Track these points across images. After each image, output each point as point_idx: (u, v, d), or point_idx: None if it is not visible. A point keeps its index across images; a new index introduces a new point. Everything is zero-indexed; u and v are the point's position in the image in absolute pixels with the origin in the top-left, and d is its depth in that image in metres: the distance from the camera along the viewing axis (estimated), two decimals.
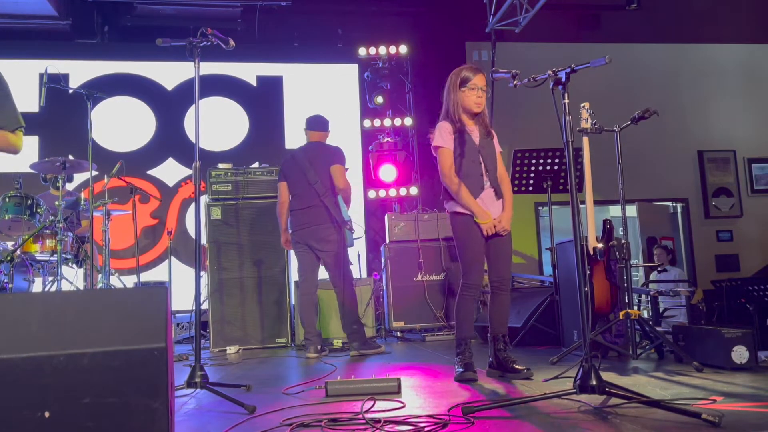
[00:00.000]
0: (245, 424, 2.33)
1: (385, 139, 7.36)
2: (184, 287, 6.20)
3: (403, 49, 7.46)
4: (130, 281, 6.34)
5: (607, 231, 4.08)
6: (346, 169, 4.79)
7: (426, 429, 2.11)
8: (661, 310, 6.12)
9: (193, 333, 5.24)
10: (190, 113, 7.55)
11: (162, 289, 1.79)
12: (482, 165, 3.30)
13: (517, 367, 3.21)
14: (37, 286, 5.14)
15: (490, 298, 3.39)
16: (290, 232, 4.81)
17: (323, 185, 4.67)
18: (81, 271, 5.39)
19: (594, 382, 2.27)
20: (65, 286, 4.85)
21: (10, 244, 5.01)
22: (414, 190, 7.23)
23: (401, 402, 2.61)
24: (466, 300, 3.29)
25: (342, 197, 4.67)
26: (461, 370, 3.20)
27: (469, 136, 3.31)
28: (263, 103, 7.82)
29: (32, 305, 1.73)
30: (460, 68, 3.36)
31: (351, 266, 4.78)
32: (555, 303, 4.66)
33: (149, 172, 7.44)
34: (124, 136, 7.44)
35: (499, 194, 3.35)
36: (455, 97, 3.31)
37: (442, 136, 3.31)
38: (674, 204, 9.10)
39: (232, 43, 3.18)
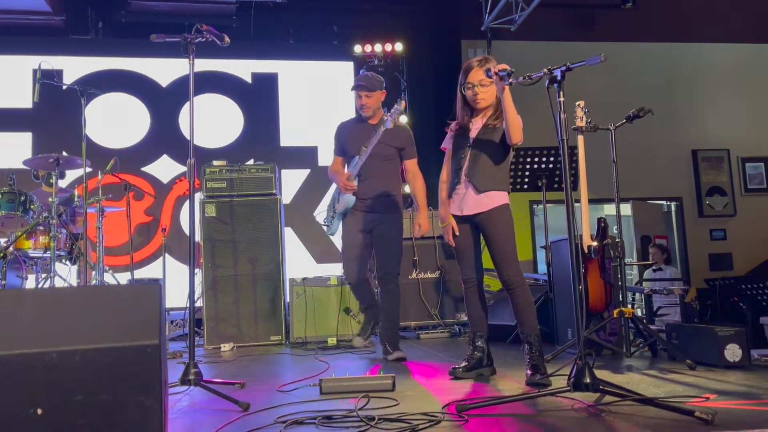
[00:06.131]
0: (239, 422, 2.32)
1: None
2: (179, 284, 6.18)
3: (399, 46, 7.45)
4: (124, 278, 6.32)
5: (602, 229, 4.09)
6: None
7: (420, 426, 2.11)
8: (654, 308, 6.16)
9: (187, 330, 5.23)
10: (185, 110, 7.52)
11: (156, 286, 1.78)
12: (466, 160, 3.21)
13: (534, 375, 2.97)
14: (30, 283, 5.11)
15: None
16: None
17: None
18: (74, 268, 5.37)
19: (588, 380, 2.27)
20: (58, 283, 4.83)
21: (3, 241, 4.98)
22: (408, 188, 7.21)
23: (395, 399, 2.60)
24: (466, 296, 3.34)
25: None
26: (461, 367, 3.21)
27: (467, 131, 3.26)
28: (258, 100, 7.80)
29: (25, 302, 1.72)
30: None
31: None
32: (549, 301, 4.67)
33: (143, 168, 7.42)
34: (118, 133, 7.41)
35: (479, 189, 3.18)
36: (459, 93, 3.29)
37: (446, 138, 3.38)
38: (668, 203, 9.14)
39: (227, 39, 3.17)
